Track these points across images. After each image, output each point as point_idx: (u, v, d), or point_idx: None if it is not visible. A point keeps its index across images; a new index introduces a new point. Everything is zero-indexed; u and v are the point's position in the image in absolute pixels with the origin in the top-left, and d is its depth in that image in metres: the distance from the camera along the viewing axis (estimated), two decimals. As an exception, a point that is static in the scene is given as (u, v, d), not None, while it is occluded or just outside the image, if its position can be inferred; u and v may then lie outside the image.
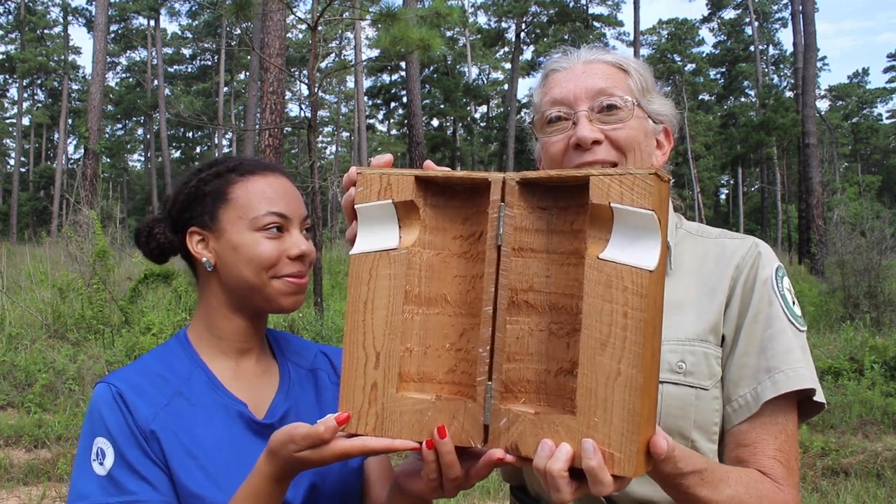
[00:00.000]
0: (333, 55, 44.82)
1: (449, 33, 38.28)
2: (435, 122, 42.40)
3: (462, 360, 0.94)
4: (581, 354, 0.83)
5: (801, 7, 19.56)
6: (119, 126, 52.26)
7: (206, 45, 49.22)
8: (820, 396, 1.14)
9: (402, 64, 21.17)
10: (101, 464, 1.08)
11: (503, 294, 0.90)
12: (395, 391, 0.92)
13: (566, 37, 39.00)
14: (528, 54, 42.49)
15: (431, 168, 0.96)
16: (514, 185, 0.91)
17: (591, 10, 39.18)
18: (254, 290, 1.16)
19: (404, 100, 29.73)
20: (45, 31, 46.56)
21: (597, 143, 1.16)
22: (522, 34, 36.36)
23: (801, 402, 1.16)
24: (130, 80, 50.59)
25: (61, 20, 46.95)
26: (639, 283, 0.82)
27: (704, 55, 47.56)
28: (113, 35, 45.37)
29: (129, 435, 1.09)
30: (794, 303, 1.20)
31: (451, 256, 0.96)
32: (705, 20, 47.22)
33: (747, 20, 42.90)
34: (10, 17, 45.74)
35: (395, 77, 40.90)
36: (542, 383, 0.90)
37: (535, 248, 0.92)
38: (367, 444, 0.91)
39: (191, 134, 52.66)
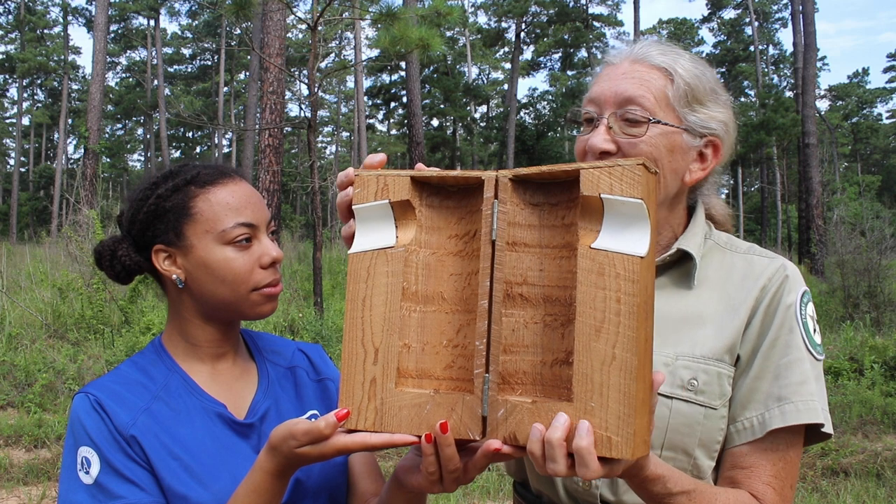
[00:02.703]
0: (333, 55, 44.82)
1: (449, 33, 38.28)
2: (435, 122, 42.40)
3: (459, 355, 0.96)
4: (576, 341, 0.85)
5: (801, 7, 19.56)
6: (119, 126, 52.28)
7: (206, 45, 49.22)
8: (828, 428, 1.13)
9: (402, 64, 21.17)
10: (88, 472, 1.08)
11: (498, 287, 0.92)
12: (393, 386, 0.93)
13: (566, 37, 38.98)
14: (528, 54, 42.50)
15: (423, 169, 0.98)
16: (507, 181, 0.93)
17: (591, 10, 39.17)
18: (230, 304, 1.16)
19: (404, 100, 29.71)
20: (45, 31, 46.57)
21: (607, 153, 1.15)
22: (522, 34, 36.35)
23: (808, 428, 1.15)
24: (130, 80, 50.59)
25: (61, 20, 46.98)
26: (630, 270, 0.84)
27: (704, 55, 47.54)
28: (113, 35, 45.38)
29: (112, 440, 1.09)
30: (815, 330, 1.17)
31: (447, 255, 0.98)
32: (705, 20, 47.22)
33: (747, 20, 42.89)
34: (10, 17, 45.74)
35: (395, 77, 40.91)
36: (538, 374, 0.91)
37: (527, 242, 0.94)
38: (368, 440, 0.92)
39: (191, 134, 52.67)
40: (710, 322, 1.16)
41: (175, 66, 51.77)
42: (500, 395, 0.90)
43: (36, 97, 51.48)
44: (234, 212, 1.15)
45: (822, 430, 1.13)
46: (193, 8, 47.34)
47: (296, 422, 0.96)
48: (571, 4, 37.13)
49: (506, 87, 42.03)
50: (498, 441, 0.88)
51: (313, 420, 0.95)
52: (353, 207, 0.98)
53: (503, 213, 0.93)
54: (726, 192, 52.50)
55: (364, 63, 32.07)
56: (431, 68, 37.26)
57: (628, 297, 0.83)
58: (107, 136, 45.98)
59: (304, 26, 27.82)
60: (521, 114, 38.97)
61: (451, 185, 0.98)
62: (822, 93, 52.33)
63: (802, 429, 1.13)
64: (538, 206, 0.94)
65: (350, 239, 1.01)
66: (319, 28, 8.76)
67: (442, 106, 38.70)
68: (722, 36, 47.10)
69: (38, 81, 49.02)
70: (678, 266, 1.21)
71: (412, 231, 0.97)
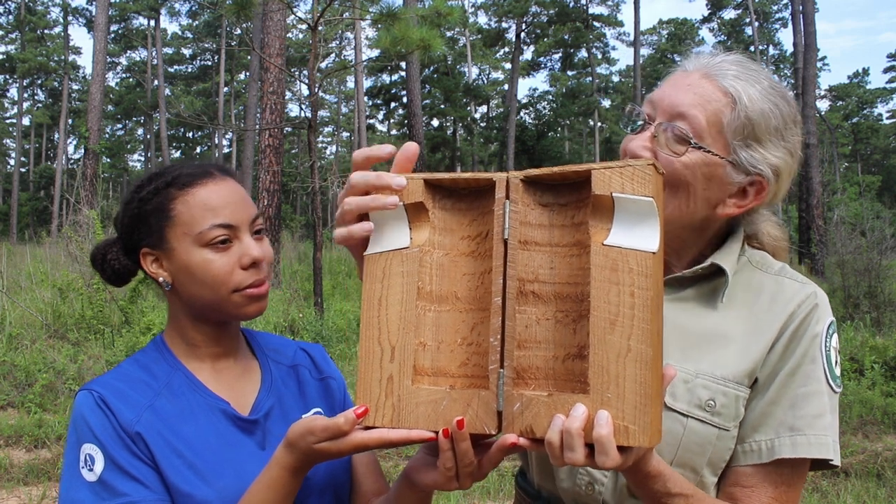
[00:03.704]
0: (333, 55, 44.81)
1: (449, 33, 38.26)
2: (435, 122, 42.37)
3: (474, 353, 0.98)
4: (591, 335, 0.88)
5: (801, 7, 19.55)
6: (119, 126, 52.27)
7: (206, 45, 49.21)
8: (837, 461, 1.12)
9: (402, 64, 21.17)
10: (91, 469, 1.07)
11: (511, 285, 0.94)
12: (410, 383, 0.95)
13: (566, 37, 38.97)
14: (528, 54, 42.49)
15: (413, 151, 0.98)
16: (518, 182, 0.96)
17: (591, 10, 39.18)
18: (214, 306, 1.16)
19: (404, 100, 29.71)
20: (45, 31, 46.56)
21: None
22: (522, 34, 36.34)
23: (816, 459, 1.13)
24: (130, 80, 50.59)
25: (61, 20, 46.98)
26: (643, 265, 0.87)
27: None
28: (113, 35, 45.37)
29: (117, 437, 1.08)
30: (836, 362, 1.15)
31: (460, 256, 1.01)
32: (705, 20, 47.22)
33: (747, 20, 42.90)
34: (10, 17, 45.75)
35: (395, 77, 40.89)
36: (551, 369, 0.93)
37: (538, 241, 0.96)
38: (385, 436, 0.93)
39: (191, 134, 52.67)
40: (734, 343, 1.14)
41: (175, 67, 51.77)
42: (515, 389, 0.92)
43: (36, 97, 51.52)
44: (211, 213, 1.14)
45: (830, 462, 1.11)
46: (193, 8, 47.35)
47: (314, 418, 0.97)
48: (571, 4, 37.13)
49: (506, 87, 42.02)
50: (514, 435, 0.89)
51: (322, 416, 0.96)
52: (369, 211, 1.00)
53: (515, 212, 0.95)
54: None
55: (364, 63, 32.07)
56: (431, 68, 37.25)
57: (642, 291, 0.86)
58: (107, 136, 45.98)
59: (304, 26, 27.81)
60: (522, 114, 38.97)
61: (464, 188, 1.00)
62: (823, 93, 52.38)
63: (809, 460, 1.12)
64: (548, 206, 0.97)
65: (348, 241, 1.00)
66: (319, 28, 8.76)
67: (442, 106, 38.70)
68: (722, 36, 47.08)
69: (39, 81, 49.03)
70: (707, 281, 1.19)
71: (426, 232, 0.99)
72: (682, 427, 1.11)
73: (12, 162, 48.77)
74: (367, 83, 41.14)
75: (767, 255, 1.24)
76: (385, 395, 0.95)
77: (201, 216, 1.14)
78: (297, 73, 34.54)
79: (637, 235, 0.88)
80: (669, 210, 1.12)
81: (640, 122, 1.18)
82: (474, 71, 46.30)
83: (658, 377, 0.87)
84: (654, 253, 0.87)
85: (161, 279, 1.17)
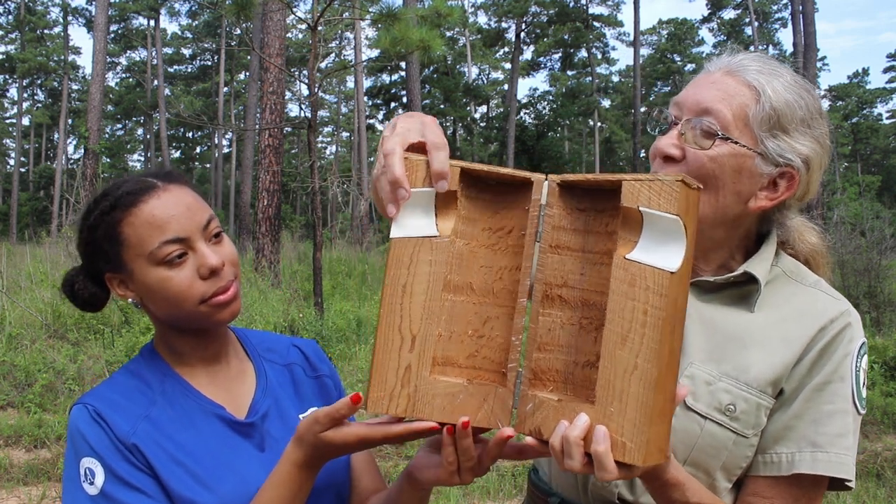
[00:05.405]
0: (333, 55, 44.79)
1: (449, 33, 38.24)
2: (435, 122, 42.24)
3: (483, 346, 0.98)
4: (602, 348, 0.88)
5: (801, 7, 19.54)
6: (119, 126, 52.24)
7: (206, 45, 49.19)
8: (853, 483, 1.12)
9: (402, 64, 21.16)
10: (92, 483, 1.07)
11: (537, 288, 0.95)
12: (428, 374, 0.95)
13: (566, 37, 38.96)
14: (528, 54, 42.48)
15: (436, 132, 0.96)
16: (555, 186, 0.95)
17: (591, 10, 39.18)
18: (185, 319, 1.15)
19: (404, 100, 29.69)
20: (45, 31, 46.52)
21: (670, 158, 1.14)
22: (522, 34, 36.33)
23: (833, 478, 1.13)
24: (130, 80, 50.56)
25: (61, 20, 46.94)
26: (660, 284, 0.85)
27: (704, 55, 47.54)
28: (113, 35, 45.34)
29: (115, 449, 1.08)
30: (863, 384, 1.15)
31: (478, 247, 1.00)
32: (705, 20, 47.21)
33: (747, 20, 42.90)
34: (10, 17, 45.72)
35: (395, 77, 40.85)
36: (570, 374, 0.94)
37: (571, 246, 0.96)
38: (389, 431, 0.95)
39: (191, 134, 52.64)
40: (761, 349, 1.14)
41: (175, 67, 51.73)
42: (530, 390, 0.93)
43: (36, 97, 51.47)
44: (158, 230, 1.10)
45: (846, 483, 1.11)
46: (193, 8, 47.32)
47: (318, 409, 0.99)
48: (571, 4, 37.12)
49: (506, 87, 41.99)
50: (510, 428, 0.90)
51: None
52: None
53: (549, 216, 0.95)
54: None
55: (364, 63, 32.07)
56: (431, 68, 37.22)
57: (655, 311, 0.85)
58: (107, 136, 45.97)
59: (304, 26, 27.79)
60: (521, 114, 38.93)
61: (492, 179, 0.99)
62: (822, 93, 52.29)
63: (828, 478, 1.12)
64: (584, 211, 0.96)
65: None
66: (319, 28, 8.76)
67: (442, 106, 38.66)
68: (722, 36, 47.06)
69: (38, 81, 48.99)
70: (740, 287, 1.18)
71: (452, 221, 0.97)
72: (700, 428, 1.11)
73: (12, 162, 48.77)
74: (367, 83, 41.14)
75: (801, 265, 1.23)
76: (401, 384, 0.94)
77: (149, 235, 1.10)
78: (297, 73, 34.53)
79: (659, 253, 0.87)
80: (701, 207, 1.11)
81: (666, 124, 1.19)
82: (474, 71, 46.32)
83: (664, 399, 0.86)
84: (672, 273, 0.85)
85: (130, 300, 1.17)
